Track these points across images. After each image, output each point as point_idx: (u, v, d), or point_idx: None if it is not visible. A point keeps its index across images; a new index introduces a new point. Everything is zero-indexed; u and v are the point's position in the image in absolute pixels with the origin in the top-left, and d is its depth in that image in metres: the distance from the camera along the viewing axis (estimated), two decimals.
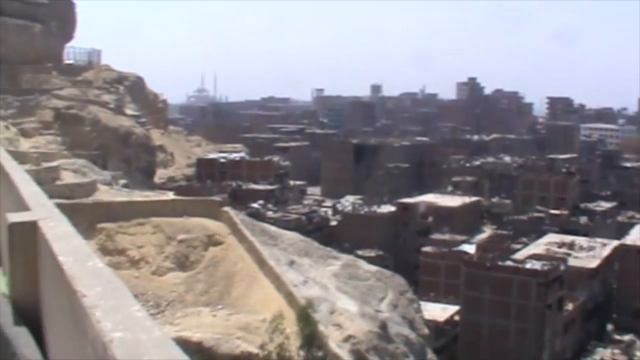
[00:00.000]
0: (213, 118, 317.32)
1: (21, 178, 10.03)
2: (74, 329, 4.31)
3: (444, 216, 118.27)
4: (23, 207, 7.78)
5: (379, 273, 56.22)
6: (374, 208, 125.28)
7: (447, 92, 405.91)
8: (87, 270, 4.70)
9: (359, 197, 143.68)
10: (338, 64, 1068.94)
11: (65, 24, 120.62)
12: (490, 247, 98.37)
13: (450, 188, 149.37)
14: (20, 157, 42.85)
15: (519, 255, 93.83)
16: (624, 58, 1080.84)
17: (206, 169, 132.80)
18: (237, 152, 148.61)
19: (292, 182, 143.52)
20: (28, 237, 6.56)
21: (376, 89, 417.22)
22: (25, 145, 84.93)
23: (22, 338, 5.88)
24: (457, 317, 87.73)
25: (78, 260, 4.94)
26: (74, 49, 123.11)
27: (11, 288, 6.85)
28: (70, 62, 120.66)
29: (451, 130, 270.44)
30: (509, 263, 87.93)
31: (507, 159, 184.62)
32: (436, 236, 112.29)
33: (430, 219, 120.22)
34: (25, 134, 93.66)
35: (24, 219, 6.76)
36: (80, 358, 4.10)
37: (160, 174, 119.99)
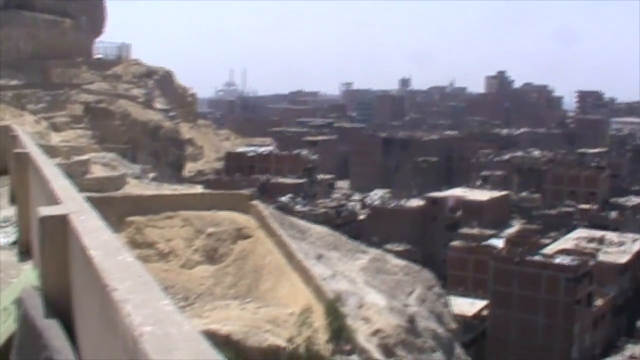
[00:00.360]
0: (242, 112, 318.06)
1: (52, 172, 10.12)
2: (104, 322, 4.35)
3: (472, 210, 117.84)
4: (54, 200, 7.86)
5: (407, 267, 56.14)
6: (403, 202, 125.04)
7: (476, 85, 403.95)
8: (117, 264, 4.73)
9: (387, 191, 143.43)
10: (366, 57, 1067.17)
11: (95, 19, 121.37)
12: (519, 242, 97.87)
13: (479, 182, 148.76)
14: (50, 151, 43.21)
15: (548, 250, 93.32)
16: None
17: (235, 163, 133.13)
18: (265, 146, 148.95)
19: (320, 176, 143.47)
20: (59, 230, 6.62)
21: (405, 82, 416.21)
22: (55, 139, 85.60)
23: (53, 330, 5.93)
24: (485, 312, 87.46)
25: (108, 254, 4.98)
26: (104, 44, 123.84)
27: (42, 281, 6.92)
28: (100, 56, 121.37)
29: (480, 124, 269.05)
30: (537, 258, 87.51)
31: (537, 153, 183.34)
32: (465, 230, 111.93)
33: (458, 213, 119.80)
34: (55, 127, 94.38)
35: (55, 213, 6.82)
36: (111, 351, 4.13)
37: (189, 168, 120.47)
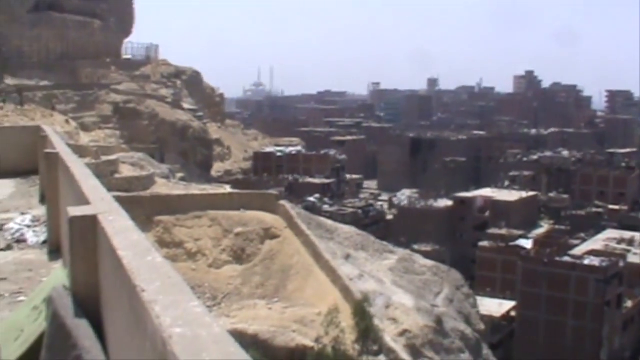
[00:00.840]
0: (270, 112, 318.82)
1: (81, 172, 10.18)
2: (133, 323, 4.35)
3: (501, 211, 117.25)
4: (83, 200, 7.89)
5: (435, 268, 56.02)
6: (431, 202, 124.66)
7: (503, 85, 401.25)
8: (146, 265, 4.74)
9: (415, 191, 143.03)
10: (393, 57, 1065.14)
11: (124, 20, 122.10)
12: (547, 243, 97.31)
13: (507, 182, 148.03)
14: (80, 151, 43.50)
15: (577, 251, 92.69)
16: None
17: (263, 163, 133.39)
18: (293, 146, 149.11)
19: (348, 176, 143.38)
20: (88, 230, 6.64)
21: (433, 82, 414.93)
22: (85, 139, 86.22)
23: (82, 330, 5.95)
24: (513, 313, 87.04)
25: (137, 254, 4.98)
26: (132, 44, 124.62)
27: (72, 280, 6.95)
28: (129, 57, 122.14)
29: (508, 124, 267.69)
30: (566, 259, 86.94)
31: (565, 153, 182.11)
32: (493, 231, 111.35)
33: (487, 213, 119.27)
34: (84, 127, 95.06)
35: (84, 213, 6.85)
36: (140, 352, 4.13)
37: (217, 168, 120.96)
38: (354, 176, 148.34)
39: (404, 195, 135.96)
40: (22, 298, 10.30)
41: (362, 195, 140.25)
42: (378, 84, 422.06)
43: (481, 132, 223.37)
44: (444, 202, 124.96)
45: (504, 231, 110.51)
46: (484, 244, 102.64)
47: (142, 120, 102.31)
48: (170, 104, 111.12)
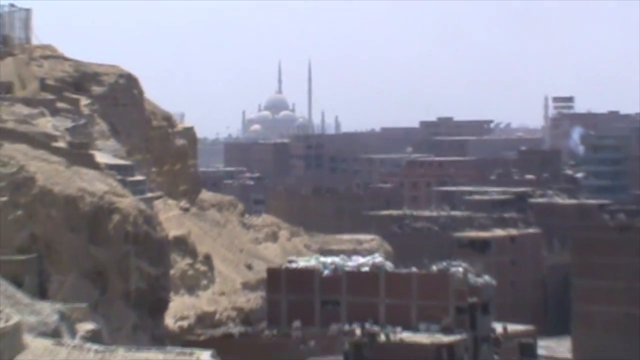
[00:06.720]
0: (314, 171, 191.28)
1: None
2: None
3: None
4: None
5: None
6: None
7: None
8: None
9: None
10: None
11: None
12: None
13: None
14: None
15: None
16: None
17: (290, 296, 60.41)
18: (363, 255, 72.10)
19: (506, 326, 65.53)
20: None
21: None
22: None
23: None
24: None
25: None
26: None
27: None
28: None
29: None
30: None
31: None
32: None
33: None
34: None
35: None
36: None
37: (180, 307, 62.95)
38: (519, 327, 61.55)
39: None
40: None
41: None
42: (571, 101, 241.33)
43: None
44: None
45: None
46: None
47: None
48: (66, 153, 51.19)
